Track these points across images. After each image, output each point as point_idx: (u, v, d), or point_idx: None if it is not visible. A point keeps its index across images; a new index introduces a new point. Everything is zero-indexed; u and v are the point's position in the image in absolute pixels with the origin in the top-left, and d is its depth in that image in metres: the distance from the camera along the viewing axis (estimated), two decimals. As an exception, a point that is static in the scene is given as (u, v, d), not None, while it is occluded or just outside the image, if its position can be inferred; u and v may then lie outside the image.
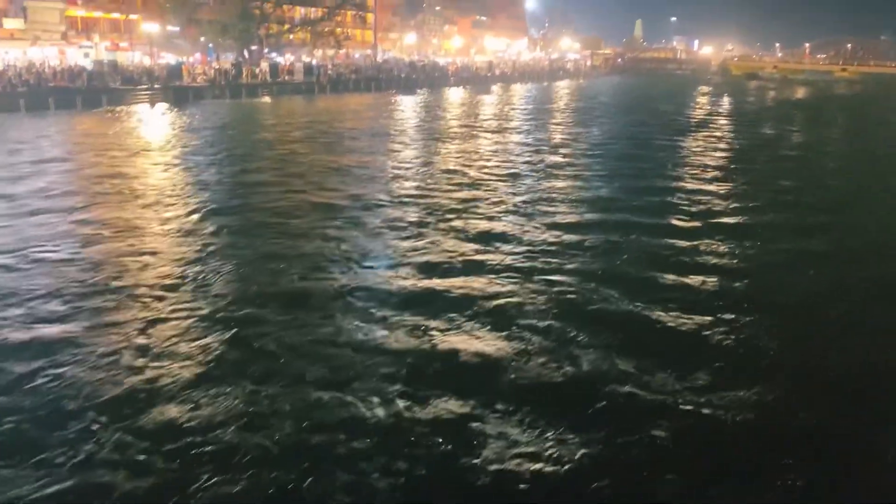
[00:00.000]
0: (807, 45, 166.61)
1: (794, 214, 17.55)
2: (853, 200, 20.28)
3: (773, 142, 34.37)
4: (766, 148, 31.53)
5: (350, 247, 13.77)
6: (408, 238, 14.48)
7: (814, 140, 34.62)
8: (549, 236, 14.69)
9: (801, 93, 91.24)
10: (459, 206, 17.32)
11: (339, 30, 76.57)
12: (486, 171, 22.96)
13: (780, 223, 16.70)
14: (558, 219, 16.26)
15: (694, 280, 12.13)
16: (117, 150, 26.16)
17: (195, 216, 16.00)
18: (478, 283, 11.60)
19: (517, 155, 26.91)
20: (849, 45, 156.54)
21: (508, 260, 12.98)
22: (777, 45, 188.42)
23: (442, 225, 15.56)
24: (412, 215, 16.44)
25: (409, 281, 11.77)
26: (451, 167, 23.64)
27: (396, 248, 13.71)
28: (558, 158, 26.05)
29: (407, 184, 20.58)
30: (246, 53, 64.49)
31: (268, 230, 14.90)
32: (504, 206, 17.55)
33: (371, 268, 12.50)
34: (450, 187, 19.99)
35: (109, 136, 30.71)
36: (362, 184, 20.31)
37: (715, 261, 13.43)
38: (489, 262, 12.81)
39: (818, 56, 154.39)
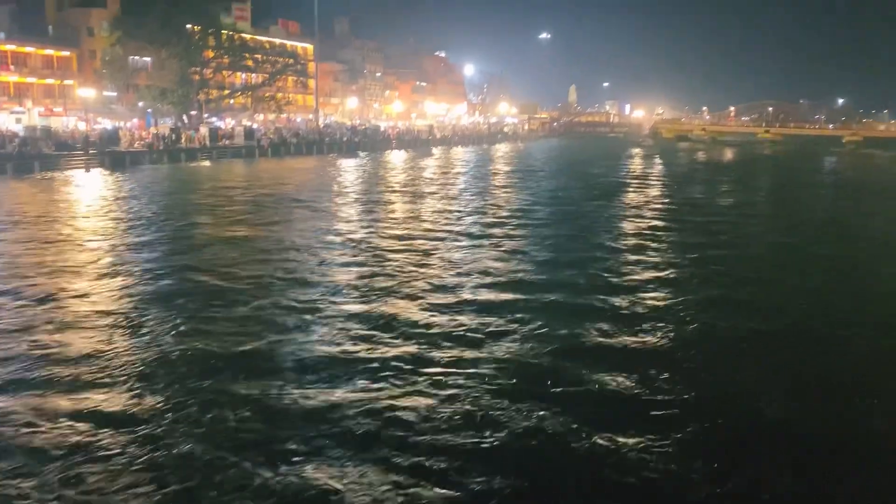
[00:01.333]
0: (732, 108, 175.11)
1: (724, 290, 16.01)
2: (780, 269, 20.99)
3: (701, 205, 34.94)
4: (696, 210, 32.11)
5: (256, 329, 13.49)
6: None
7: (742, 202, 35.89)
8: (462, 319, 13.09)
9: (729, 154, 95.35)
10: (383, 286, 15.69)
11: (280, 95, 77.15)
12: (402, 241, 21.70)
13: (705, 297, 15.31)
14: (472, 296, 14.82)
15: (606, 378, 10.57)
16: (43, 216, 25.38)
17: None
18: (345, 395, 9.61)
19: (449, 221, 25.79)
20: (770, 109, 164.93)
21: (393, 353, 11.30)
22: (704, 108, 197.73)
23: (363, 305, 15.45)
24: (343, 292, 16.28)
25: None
26: (386, 233, 23.61)
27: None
28: (491, 224, 25.09)
29: (339, 252, 20.42)
30: (185, 118, 64.22)
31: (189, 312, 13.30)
32: (418, 286, 15.59)
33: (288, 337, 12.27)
34: (379, 258, 19.18)
35: (36, 202, 29.83)
36: (292, 255, 19.09)
37: (634, 352, 11.80)
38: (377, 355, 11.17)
39: (743, 119, 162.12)
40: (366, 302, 14.21)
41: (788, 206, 36.05)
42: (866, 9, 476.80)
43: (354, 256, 18.89)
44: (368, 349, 11.34)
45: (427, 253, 19.44)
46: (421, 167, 54.74)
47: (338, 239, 21.79)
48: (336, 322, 12.74)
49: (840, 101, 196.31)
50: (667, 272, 17.80)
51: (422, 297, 14.54)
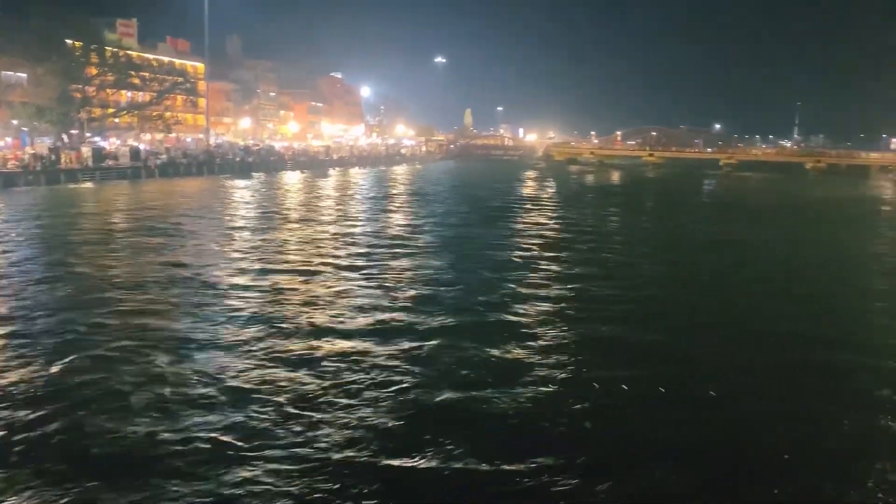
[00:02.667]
0: (618, 132, 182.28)
1: (614, 326, 15.61)
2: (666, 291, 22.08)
3: (589, 230, 35.94)
4: (583, 235, 33.04)
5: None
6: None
7: (629, 225, 37.51)
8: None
9: (616, 176, 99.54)
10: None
11: (168, 114, 74.55)
12: (290, 265, 21.49)
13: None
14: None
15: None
16: None
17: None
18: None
19: (333, 249, 24.95)
20: (654, 133, 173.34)
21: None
22: (593, 132, 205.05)
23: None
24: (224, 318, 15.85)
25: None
26: (278, 256, 23.23)
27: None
28: (369, 253, 24.11)
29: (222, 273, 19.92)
30: (65, 137, 60.86)
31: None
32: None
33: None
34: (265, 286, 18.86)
35: None
36: (178, 290, 17.77)
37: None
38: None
39: (628, 143, 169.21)
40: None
41: (669, 229, 37.90)
42: (738, 44, 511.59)
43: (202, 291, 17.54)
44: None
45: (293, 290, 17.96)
46: (315, 189, 54.14)
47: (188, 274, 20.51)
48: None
49: (717, 126, 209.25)
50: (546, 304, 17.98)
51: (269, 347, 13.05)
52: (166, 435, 9.19)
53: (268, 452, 8.84)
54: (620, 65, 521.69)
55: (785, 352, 14.01)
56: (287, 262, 22.09)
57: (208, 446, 8.95)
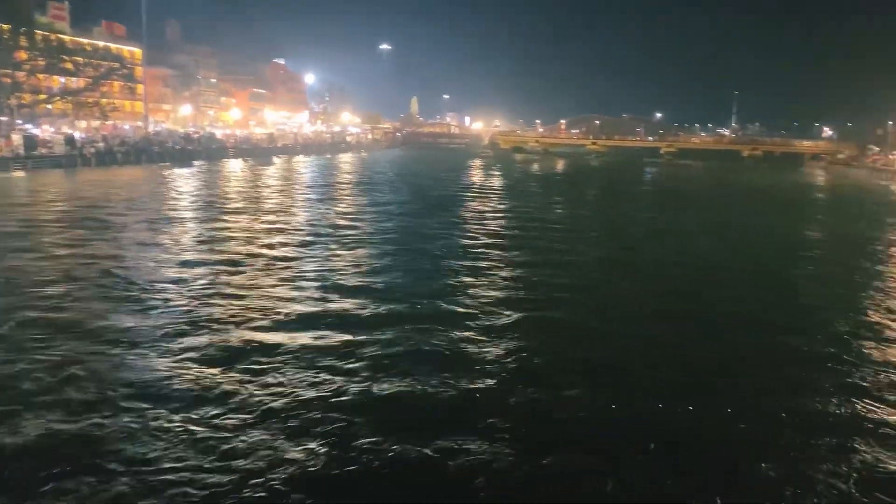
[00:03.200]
0: (563, 121, 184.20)
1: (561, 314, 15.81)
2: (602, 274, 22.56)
3: (538, 217, 36.51)
4: (530, 223, 33.49)
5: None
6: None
7: (573, 214, 38.03)
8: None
9: (560, 165, 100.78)
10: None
11: (104, 100, 72.32)
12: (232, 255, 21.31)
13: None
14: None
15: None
16: None
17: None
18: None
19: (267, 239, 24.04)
20: (597, 122, 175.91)
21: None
22: (538, 121, 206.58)
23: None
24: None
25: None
26: (220, 246, 22.89)
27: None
28: (308, 242, 23.82)
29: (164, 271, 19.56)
30: (-7, 124, 58.53)
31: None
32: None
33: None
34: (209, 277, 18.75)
35: None
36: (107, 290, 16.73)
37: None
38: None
39: (572, 131, 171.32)
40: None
41: (611, 217, 38.61)
42: (679, 34, 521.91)
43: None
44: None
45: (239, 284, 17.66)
46: (258, 178, 53.27)
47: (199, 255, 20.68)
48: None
49: (658, 115, 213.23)
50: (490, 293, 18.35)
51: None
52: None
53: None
54: (565, 54, 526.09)
55: (723, 332, 14.60)
56: (222, 252, 21.38)
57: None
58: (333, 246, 23.32)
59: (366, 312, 15.00)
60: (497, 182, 59.61)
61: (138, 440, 8.80)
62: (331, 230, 26.94)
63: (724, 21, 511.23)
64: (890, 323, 15.86)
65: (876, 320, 16.09)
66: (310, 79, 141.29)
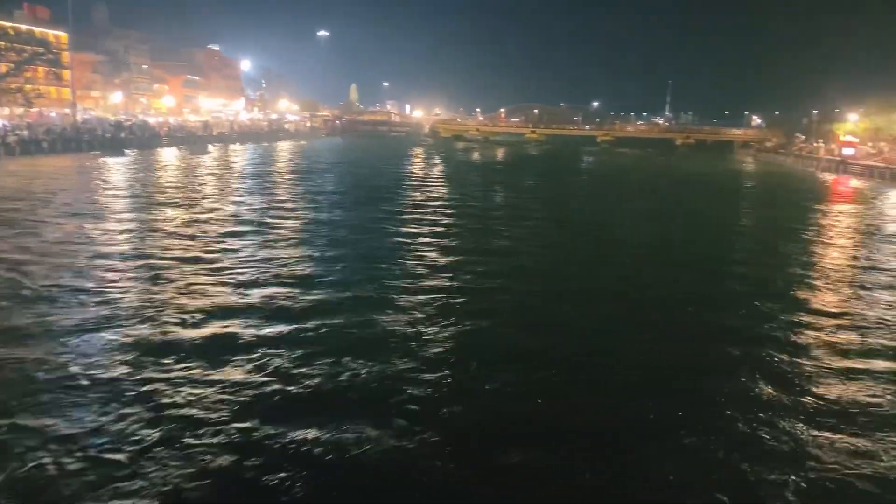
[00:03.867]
0: (502, 110, 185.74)
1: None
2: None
3: (479, 206, 36.85)
4: (476, 210, 33.79)
5: None
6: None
7: (513, 203, 38.46)
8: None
9: (500, 153, 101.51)
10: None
11: (28, 86, 69.35)
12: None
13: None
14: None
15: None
16: None
17: None
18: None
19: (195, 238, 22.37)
20: (535, 111, 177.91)
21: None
22: (478, 109, 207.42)
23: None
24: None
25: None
26: (152, 240, 22.35)
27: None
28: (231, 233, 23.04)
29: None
30: None
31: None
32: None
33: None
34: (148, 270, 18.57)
35: None
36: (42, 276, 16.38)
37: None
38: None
39: (512, 120, 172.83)
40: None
41: (551, 206, 39.15)
42: (616, 23, 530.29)
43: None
44: None
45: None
46: (192, 167, 51.96)
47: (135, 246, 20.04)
48: None
49: (595, 104, 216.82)
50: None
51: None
52: None
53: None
54: (504, 43, 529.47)
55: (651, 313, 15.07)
56: (147, 246, 20.59)
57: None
58: (264, 238, 22.49)
59: (290, 304, 14.75)
60: (438, 171, 59.71)
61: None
62: (263, 222, 26.01)
63: (658, 12, 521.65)
64: (809, 303, 16.62)
65: (797, 299, 16.83)
66: (246, 65, 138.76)
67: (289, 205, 31.87)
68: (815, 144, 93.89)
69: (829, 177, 68.03)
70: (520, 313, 15.11)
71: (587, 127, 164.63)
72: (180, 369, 10.90)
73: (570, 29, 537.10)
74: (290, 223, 26.16)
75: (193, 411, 9.46)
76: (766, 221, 33.98)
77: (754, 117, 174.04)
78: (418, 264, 19.44)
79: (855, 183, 61.02)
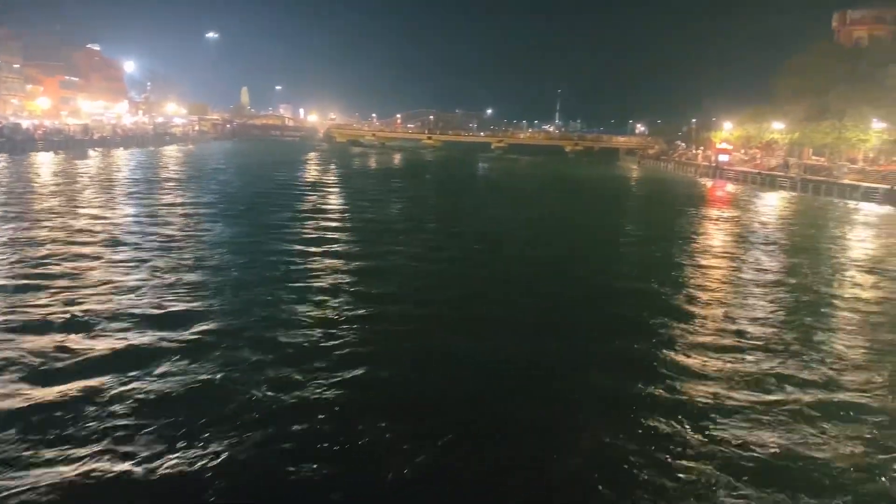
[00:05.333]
0: (398, 115, 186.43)
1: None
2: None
3: (375, 216, 36.93)
4: (366, 221, 33.58)
5: None
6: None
7: (410, 212, 38.53)
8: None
9: (397, 159, 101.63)
10: None
11: None
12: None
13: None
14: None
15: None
16: None
17: None
18: None
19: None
20: (431, 117, 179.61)
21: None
22: (374, 115, 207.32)
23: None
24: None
25: None
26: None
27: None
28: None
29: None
30: None
31: None
32: None
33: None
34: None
35: None
36: None
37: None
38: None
39: (408, 125, 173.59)
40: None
41: (447, 211, 39.51)
42: (506, 31, 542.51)
43: None
44: None
45: None
46: (68, 173, 48.79)
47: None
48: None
49: (489, 111, 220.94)
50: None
51: None
52: None
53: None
54: (401, 49, 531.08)
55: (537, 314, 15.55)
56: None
57: None
58: (138, 253, 20.48)
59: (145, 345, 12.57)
60: (333, 177, 59.02)
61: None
62: (138, 235, 23.56)
63: (546, 23, 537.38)
64: (686, 307, 17.60)
65: (673, 303, 17.77)
66: (129, 66, 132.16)
67: (169, 215, 29.19)
68: (694, 151, 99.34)
69: (707, 182, 72.18)
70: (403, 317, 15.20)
71: (482, 134, 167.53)
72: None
73: (465, 38, 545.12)
74: (160, 237, 23.44)
75: None
76: (649, 226, 35.60)
77: (638, 125, 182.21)
78: (304, 287, 17.45)
79: (730, 188, 65.04)
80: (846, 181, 59.33)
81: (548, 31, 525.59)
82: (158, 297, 15.53)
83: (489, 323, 15.30)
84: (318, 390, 10.85)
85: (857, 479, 8.92)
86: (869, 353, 14.10)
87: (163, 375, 11.04)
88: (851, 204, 51.16)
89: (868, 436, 10.14)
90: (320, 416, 9.93)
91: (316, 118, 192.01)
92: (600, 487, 8.52)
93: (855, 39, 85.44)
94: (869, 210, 47.91)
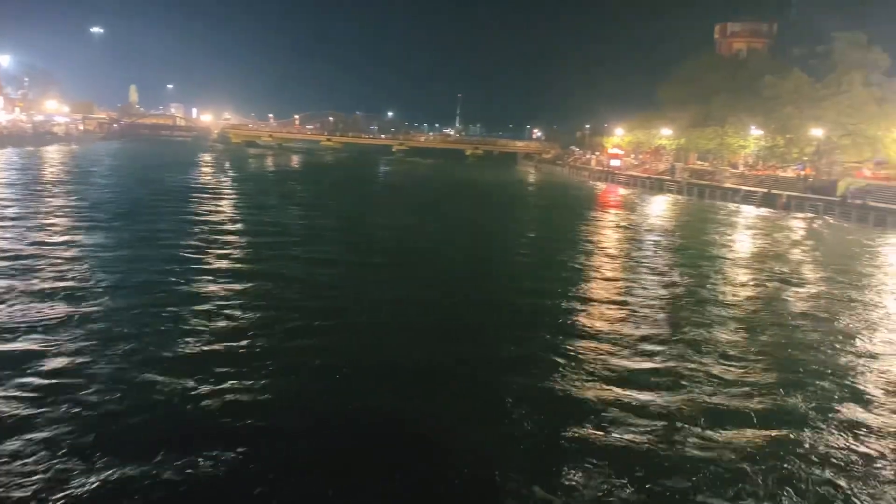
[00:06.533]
0: (296, 116, 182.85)
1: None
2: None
3: (273, 215, 35.98)
4: (264, 227, 32.90)
5: None
6: None
7: (308, 217, 37.76)
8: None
9: (295, 161, 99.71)
10: None
11: None
12: None
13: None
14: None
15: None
16: None
17: None
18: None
19: None
20: (331, 119, 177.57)
21: None
22: (271, 115, 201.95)
23: None
24: None
25: None
26: None
27: None
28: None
29: None
30: None
31: None
32: None
33: None
34: None
35: None
36: None
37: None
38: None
39: (307, 127, 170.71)
40: None
41: (347, 216, 38.90)
42: (407, 34, 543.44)
43: None
44: None
45: None
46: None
47: None
48: None
49: (390, 113, 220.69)
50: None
51: None
52: None
53: None
54: (299, 48, 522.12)
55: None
56: None
57: None
58: None
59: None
60: (227, 180, 56.95)
61: None
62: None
63: (448, 25, 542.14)
64: (576, 305, 18.06)
65: (568, 304, 18.19)
66: (5, 60, 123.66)
67: (36, 223, 26.47)
68: (588, 156, 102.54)
69: (600, 185, 74.63)
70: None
71: (383, 136, 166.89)
72: None
73: (364, 39, 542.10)
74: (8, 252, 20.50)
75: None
76: (547, 229, 36.41)
77: (535, 130, 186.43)
78: (182, 311, 15.37)
79: (622, 191, 67.50)
80: (728, 185, 62.77)
81: (449, 36, 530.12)
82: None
83: (389, 329, 15.15)
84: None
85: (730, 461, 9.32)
86: (737, 338, 15.47)
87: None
88: (732, 206, 54.10)
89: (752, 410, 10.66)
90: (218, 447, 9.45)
91: (210, 118, 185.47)
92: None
93: (735, 51, 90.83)
94: (748, 212, 50.79)
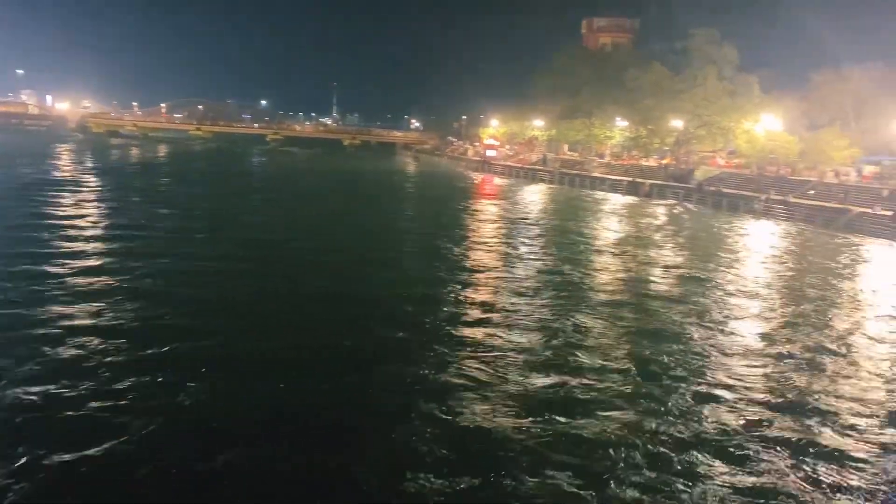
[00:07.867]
0: (163, 105, 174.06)
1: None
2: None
3: (132, 211, 34.10)
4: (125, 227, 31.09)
5: None
6: None
7: (174, 215, 36.02)
8: None
9: (162, 151, 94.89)
10: None
11: None
12: None
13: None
14: None
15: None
16: None
17: None
18: None
19: None
20: (201, 107, 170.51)
21: None
22: (135, 104, 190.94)
23: None
24: None
25: None
26: None
27: None
28: None
29: None
30: None
31: None
32: None
33: None
34: None
35: None
36: None
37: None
38: None
39: (175, 116, 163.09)
40: None
41: (218, 215, 36.43)
42: (280, 22, 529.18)
43: None
44: None
45: None
46: None
47: None
48: None
49: (264, 102, 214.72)
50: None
51: None
52: None
53: None
54: (164, 33, 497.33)
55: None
56: None
57: None
58: None
59: None
60: (85, 173, 52.70)
61: None
62: None
63: (322, 12, 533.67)
64: (453, 292, 18.29)
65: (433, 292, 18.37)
66: None
67: None
68: (465, 147, 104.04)
69: (477, 176, 75.83)
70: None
71: (256, 125, 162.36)
72: None
73: (238, 25, 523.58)
74: None
75: None
76: (427, 220, 36.33)
77: (413, 121, 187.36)
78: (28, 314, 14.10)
79: (498, 181, 68.92)
80: (596, 174, 65.55)
81: (326, 26, 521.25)
82: None
83: (276, 331, 14.70)
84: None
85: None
86: (596, 318, 16.47)
87: None
88: (600, 195, 56.51)
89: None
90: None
91: (67, 106, 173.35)
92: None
93: (601, 45, 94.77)
94: (615, 200, 53.21)
